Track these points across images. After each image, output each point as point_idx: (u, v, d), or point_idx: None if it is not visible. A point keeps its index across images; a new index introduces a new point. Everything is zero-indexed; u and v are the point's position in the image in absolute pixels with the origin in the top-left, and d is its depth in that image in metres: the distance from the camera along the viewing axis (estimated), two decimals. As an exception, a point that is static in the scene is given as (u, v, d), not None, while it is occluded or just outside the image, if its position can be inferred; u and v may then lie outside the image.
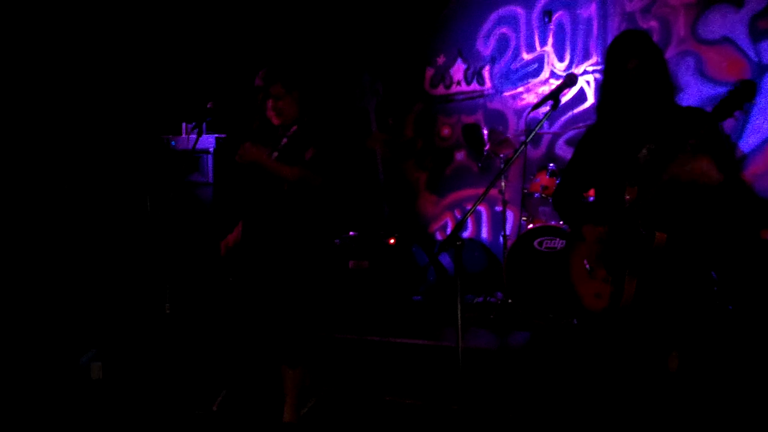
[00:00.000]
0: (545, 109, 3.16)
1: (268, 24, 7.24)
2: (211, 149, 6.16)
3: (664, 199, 2.88)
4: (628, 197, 2.94)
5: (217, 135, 6.16)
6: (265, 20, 7.23)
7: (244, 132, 4.26)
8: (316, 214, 3.91)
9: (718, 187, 2.82)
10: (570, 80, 3.16)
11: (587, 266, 3.10)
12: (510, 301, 5.34)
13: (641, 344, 3.02)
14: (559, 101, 3.15)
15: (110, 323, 5.58)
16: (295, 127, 3.93)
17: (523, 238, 5.24)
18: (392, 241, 5.83)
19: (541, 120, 3.15)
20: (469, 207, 7.11)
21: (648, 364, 3.03)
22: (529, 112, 3.67)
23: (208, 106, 4.24)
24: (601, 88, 3.14)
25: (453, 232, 2.92)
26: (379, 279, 5.78)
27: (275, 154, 3.87)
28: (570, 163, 3.40)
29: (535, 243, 5.15)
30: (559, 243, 5.02)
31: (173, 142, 6.29)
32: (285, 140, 3.89)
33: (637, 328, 3.00)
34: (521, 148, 3.20)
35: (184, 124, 6.30)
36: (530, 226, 5.39)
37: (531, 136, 3.22)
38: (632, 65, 2.95)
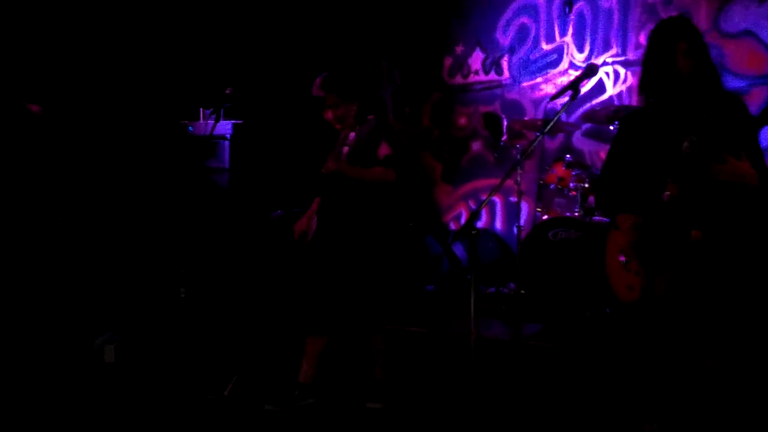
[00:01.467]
0: (564, 99, 3.13)
1: (286, 11, 7.23)
2: (228, 135, 6.18)
3: (703, 197, 2.85)
4: (668, 192, 2.91)
5: (234, 121, 6.17)
6: (283, 6, 7.22)
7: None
8: (389, 205, 4.09)
9: (756, 188, 2.79)
10: (590, 70, 3.14)
11: (622, 258, 3.07)
12: (523, 291, 5.32)
13: (676, 340, 3.01)
14: (579, 92, 3.12)
15: (124, 307, 5.62)
16: (358, 127, 4.05)
17: (538, 228, 5.22)
18: (407, 230, 5.82)
19: (559, 111, 3.14)
20: (484, 197, 7.08)
21: (683, 360, 3.02)
22: (548, 102, 3.66)
23: (227, 92, 4.28)
24: (643, 73, 3.08)
25: (468, 222, 2.92)
26: (393, 268, 5.77)
27: (345, 149, 3.99)
28: (611, 151, 3.33)
29: (550, 234, 5.13)
30: (573, 234, 5.00)
31: (191, 128, 6.32)
32: (353, 135, 3.98)
33: (670, 323, 2.98)
34: (538, 139, 3.18)
35: (201, 110, 6.32)
36: (545, 217, 5.37)
37: (549, 127, 3.20)
38: (682, 48, 2.92)
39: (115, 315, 5.50)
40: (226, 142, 6.19)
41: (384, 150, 3.93)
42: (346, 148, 4.01)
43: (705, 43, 2.99)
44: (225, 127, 6.14)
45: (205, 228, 5.99)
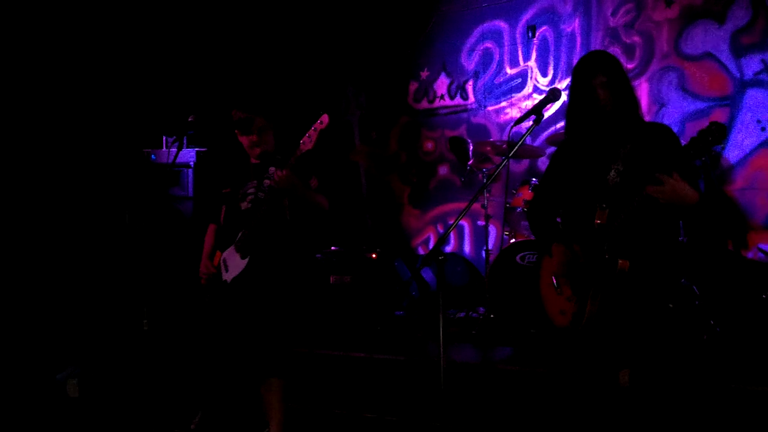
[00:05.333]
0: (528, 123, 3.16)
1: (250, 36, 7.21)
2: (192, 163, 6.11)
3: (632, 224, 2.90)
4: (598, 221, 2.97)
5: (197, 149, 6.10)
6: (247, 32, 7.20)
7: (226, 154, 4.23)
8: (305, 233, 3.93)
9: (695, 207, 2.83)
10: (553, 95, 3.16)
11: (554, 282, 3.16)
12: (492, 316, 5.30)
13: (594, 361, 3.10)
14: (542, 116, 3.17)
15: (87, 340, 5.48)
16: (272, 169, 3.85)
17: (505, 252, 5.21)
18: (374, 255, 5.77)
19: (523, 135, 3.14)
20: (452, 221, 7.05)
21: (600, 380, 3.10)
22: (512, 127, 3.66)
23: (189, 119, 4.19)
24: (568, 107, 3.17)
25: (435, 246, 2.95)
26: (361, 294, 5.72)
27: (267, 182, 3.82)
28: (542, 180, 3.47)
29: (518, 258, 5.12)
30: (541, 258, 4.98)
31: (153, 156, 6.23)
32: (273, 169, 3.83)
33: (591, 345, 3.07)
34: (503, 163, 3.19)
35: (164, 138, 6.24)
36: (512, 240, 5.36)
37: (513, 151, 3.21)
38: (599, 81, 3.00)
39: (78, 348, 5.37)
40: (190, 170, 6.11)
41: (314, 182, 3.86)
42: (267, 181, 3.83)
43: (625, 75, 3.07)
44: (188, 154, 6.06)
45: (169, 258, 5.88)
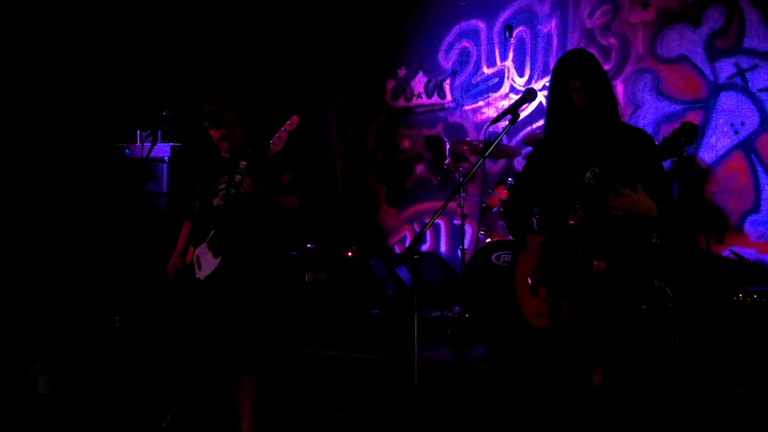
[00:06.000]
0: (504, 123, 3.16)
1: (227, 31, 7.15)
2: (166, 158, 6.04)
3: (605, 226, 2.92)
4: (571, 222, 2.97)
5: (172, 144, 6.04)
6: (224, 27, 7.14)
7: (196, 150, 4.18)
8: (279, 231, 3.90)
9: (655, 219, 2.86)
10: (529, 95, 3.17)
11: (529, 282, 3.16)
12: (467, 315, 5.31)
13: (568, 361, 3.10)
14: (518, 115, 3.18)
15: (59, 336, 5.41)
16: (244, 163, 3.83)
17: (481, 252, 5.22)
18: (350, 253, 5.76)
19: (499, 134, 3.15)
20: (428, 220, 7.05)
21: (573, 380, 3.11)
22: (488, 126, 3.66)
23: (164, 113, 4.15)
24: (547, 108, 3.17)
25: (411, 245, 2.92)
26: (337, 292, 5.70)
27: (237, 177, 3.78)
28: (518, 180, 3.47)
29: (493, 257, 5.13)
30: (516, 257, 5.00)
31: (127, 150, 6.17)
32: (244, 163, 3.79)
33: (566, 346, 3.07)
34: (479, 163, 3.20)
35: (138, 132, 6.17)
36: (488, 240, 5.38)
37: (489, 151, 3.21)
38: (574, 85, 2.99)
39: (49, 345, 5.29)
40: (164, 165, 6.04)
41: (286, 178, 3.83)
42: (238, 177, 3.79)
43: (603, 76, 3.06)
44: (163, 149, 6.00)
45: (142, 254, 5.82)
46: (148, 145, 6.07)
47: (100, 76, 6.50)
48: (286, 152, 3.83)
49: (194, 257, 3.92)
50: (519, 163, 6.52)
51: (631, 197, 2.81)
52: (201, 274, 3.86)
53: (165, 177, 6.04)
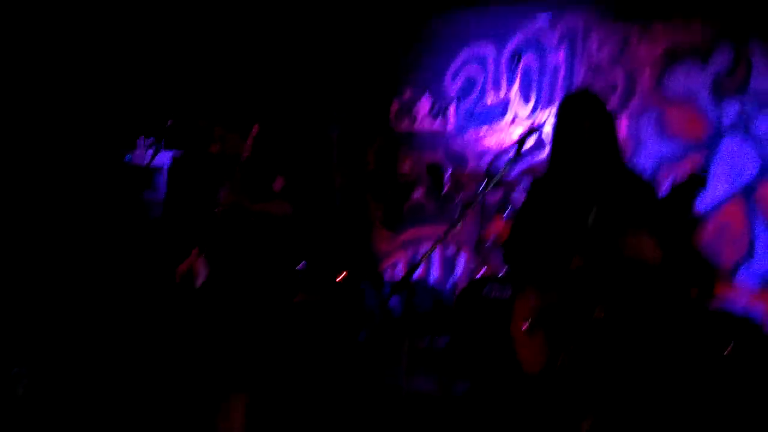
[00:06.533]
0: (510, 154, 3.15)
1: (233, 41, 7.10)
2: (166, 167, 5.97)
3: (608, 270, 2.84)
4: (574, 265, 2.92)
5: (173, 152, 5.96)
6: (230, 36, 7.09)
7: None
8: (270, 241, 3.83)
9: (658, 267, 2.79)
10: (534, 130, 3.14)
11: (527, 326, 3.07)
12: (456, 347, 5.22)
13: (559, 408, 3.04)
14: (521, 152, 3.14)
15: (37, 342, 5.34)
16: (246, 158, 3.80)
17: (474, 284, 5.15)
18: (342, 277, 5.69)
19: (502, 168, 3.12)
20: (423, 246, 7.00)
21: (561, 427, 3.03)
22: (491, 161, 3.61)
23: (168, 123, 4.12)
24: (552, 146, 3.11)
25: (406, 275, 3.04)
26: (326, 315, 5.62)
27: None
28: (519, 217, 3.38)
29: (485, 291, 5.05)
30: (507, 292, 4.92)
31: (128, 156, 6.10)
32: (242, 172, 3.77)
33: (558, 392, 3.00)
34: (480, 196, 3.15)
35: (141, 139, 6.12)
36: (481, 272, 5.30)
37: (491, 185, 3.17)
38: (585, 126, 2.97)
39: (28, 350, 5.23)
40: (163, 174, 5.98)
41: (278, 184, 3.76)
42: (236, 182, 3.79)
43: (610, 118, 3.06)
44: (164, 158, 5.93)
45: (136, 261, 5.77)
46: (150, 152, 6.08)
47: (106, 82, 6.46)
48: (279, 156, 3.81)
49: (194, 266, 3.92)
50: (517, 194, 6.44)
51: (640, 240, 2.76)
52: (197, 283, 3.84)
53: (163, 185, 5.98)
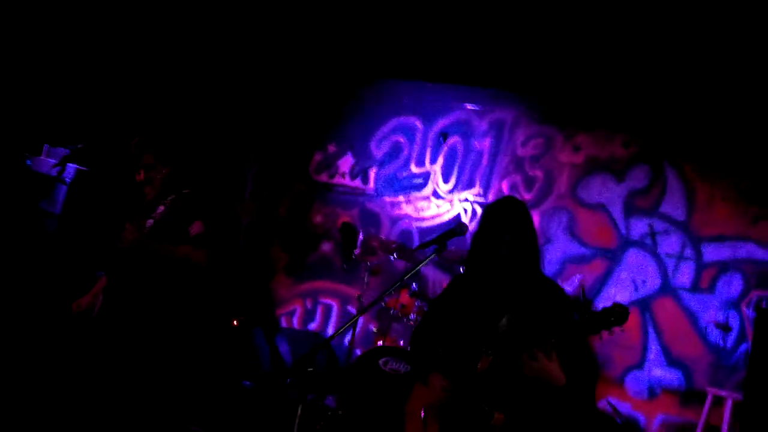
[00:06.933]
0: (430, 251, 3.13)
1: (155, 58, 6.90)
2: (68, 180, 5.69)
3: (513, 376, 2.86)
4: (480, 366, 2.93)
5: (79, 166, 5.70)
6: (152, 55, 6.89)
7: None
8: (175, 285, 3.67)
9: (560, 389, 2.84)
10: (460, 229, 3.14)
11: (422, 415, 3.05)
12: (340, 413, 5.13)
13: None
14: (446, 246, 3.14)
15: None
16: (173, 196, 3.66)
17: (370, 354, 5.10)
18: (236, 323, 5.53)
19: (422, 261, 3.10)
20: (323, 299, 6.94)
21: None
22: (414, 250, 3.59)
23: (79, 146, 3.93)
24: (471, 249, 3.16)
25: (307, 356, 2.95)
26: (214, 360, 5.45)
27: (150, 222, 3.57)
28: (433, 308, 3.41)
29: (381, 362, 5.01)
30: (403, 367, 4.91)
31: (29, 161, 5.79)
32: (162, 208, 3.60)
33: None
34: (394, 285, 3.10)
35: (46, 146, 5.83)
36: (380, 342, 5.26)
37: (411, 274, 3.14)
38: (506, 238, 3.02)
39: None
40: (64, 186, 5.69)
41: (196, 228, 3.63)
42: (150, 221, 3.64)
43: (532, 231, 3.11)
44: (67, 170, 5.65)
45: (23, 274, 5.42)
46: (52, 161, 5.76)
47: (15, 83, 6.12)
48: (200, 198, 3.68)
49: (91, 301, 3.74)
50: (425, 266, 6.50)
51: (543, 363, 2.79)
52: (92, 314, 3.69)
53: (62, 199, 5.68)
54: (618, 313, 2.70)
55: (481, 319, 3.05)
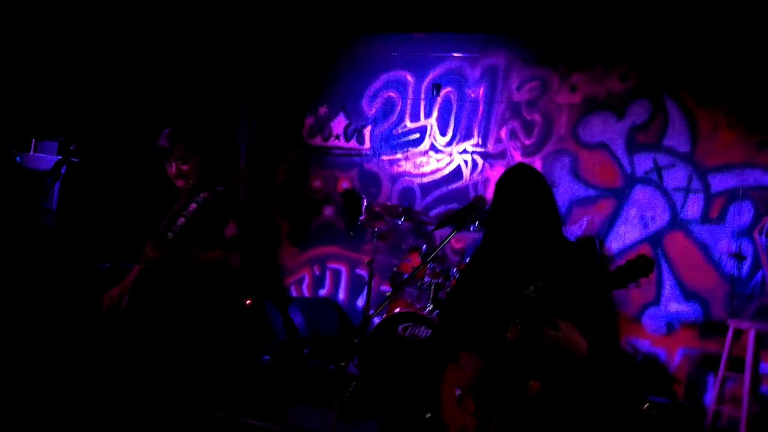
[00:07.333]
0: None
1: (139, 46, 6.69)
2: (61, 173, 5.55)
3: (542, 343, 2.82)
4: (509, 336, 2.87)
5: (70, 159, 5.56)
6: (135, 42, 6.68)
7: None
8: (219, 288, 3.58)
9: (582, 358, 2.80)
10: (479, 203, 3.06)
11: (457, 393, 3.02)
12: (367, 381, 5.12)
13: None
14: (465, 223, 3.05)
15: None
16: (205, 194, 3.49)
17: (389, 321, 5.06)
18: (249, 301, 5.48)
19: (441, 242, 3.02)
20: (330, 264, 6.89)
21: None
22: (433, 230, 3.48)
23: (72, 147, 3.79)
24: (489, 222, 3.07)
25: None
26: (232, 340, 5.41)
27: (181, 220, 3.42)
28: (457, 285, 3.33)
29: (399, 328, 4.98)
30: (424, 332, 4.89)
31: (18, 158, 5.65)
32: (194, 206, 3.44)
33: None
34: (421, 266, 3.02)
35: (33, 141, 5.68)
36: (397, 309, 5.22)
37: (433, 255, 3.08)
38: (522, 209, 2.95)
39: None
40: (57, 181, 5.56)
41: (231, 230, 3.48)
42: (182, 219, 3.42)
43: (550, 197, 3.02)
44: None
45: (23, 273, 5.34)
46: (42, 156, 5.63)
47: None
48: (234, 196, 3.55)
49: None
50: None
51: (565, 332, 2.74)
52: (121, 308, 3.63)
53: (56, 194, 5.56)
54: (643, 265, 2.64)
55: (506, 289, 3.00)
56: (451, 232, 3.03)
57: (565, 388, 2.93)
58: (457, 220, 3.04)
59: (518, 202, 2.95)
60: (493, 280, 3.08)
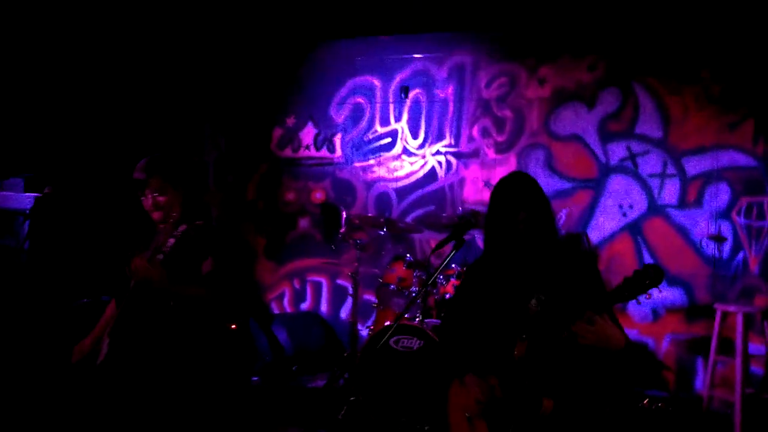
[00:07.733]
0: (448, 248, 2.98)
1: (102, 66, 6.52)
2: (28, 210, 5.36)
3: (554, 358, 2.76)
4: (517, 353, 2.80)
5: (36, 194, 5.38)
6: (99, 62, 6.50)
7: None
8: (205, 321, 3.46)
9: (619, 353, 2.72)
10: (475, 219, 3.01)
11: (467, 415, 2.94)
12: (361, 398, 5.04)
13: None
14: (464, 240, 2.99)
15: None
16: (184, 227, 3.38)
17: (379, 335, 4.98)
18: (234, 326, 5.37)
19: (443, 262, 2.96)
20: (310, 277, 6.80)
21: None
22: (432, 252, 3.39)
23: (46, 191, 3.63)
24: (487, 232, 3.01)
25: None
26: (219, 365, 5.29)
27: (160, 256, 3.29)
28: (456, 301, 3.26)
29: (392, 341, 4.90)
30: (416, 343, 4.82)
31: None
32: (172, 240, 3.31)
33: None
34: (423, 287, 2.96)
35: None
36: (387, 323, 5.15)
37: (434, 277, 3.00)
38: (521, 217, 2.88)
39: None
40: (27, 220, 5.37)
41: (208, 266, 3.34)
42: (160, 256, 3.29)
43: (547, 204, 2.96)
44: (25, 200, 5.34)
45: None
46: (8, 194, 5.45)
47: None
48: (214, 231, 3.43)
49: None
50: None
51: (602, 325, 2.65)
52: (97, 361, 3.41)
53: (25, 232, 5.37)
54: (652, 275, 2.59)
55: (509, 303, 2.93)
56: (451, 252, 2.97)
57: (581, 403, 2.87)
58: (455, 238, 2.98)
59: (518, 209, 2.88)
60: (494, 293, 3.01)
